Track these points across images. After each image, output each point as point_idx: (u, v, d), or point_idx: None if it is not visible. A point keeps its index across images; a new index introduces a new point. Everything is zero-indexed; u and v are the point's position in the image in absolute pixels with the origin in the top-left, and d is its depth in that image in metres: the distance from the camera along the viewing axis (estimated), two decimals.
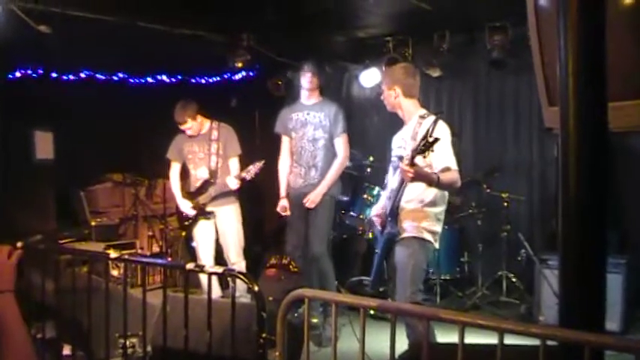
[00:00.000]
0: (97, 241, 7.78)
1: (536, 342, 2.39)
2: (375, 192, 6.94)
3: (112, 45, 6.94)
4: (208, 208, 6.43)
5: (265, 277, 7.85)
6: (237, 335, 3.61)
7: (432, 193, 4.53)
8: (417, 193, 4.53)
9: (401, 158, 4.44)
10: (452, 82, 8.31)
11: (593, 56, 2.77)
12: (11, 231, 5.89)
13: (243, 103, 8.67)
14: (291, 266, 8.05)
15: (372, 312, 5.22)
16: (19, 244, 2.87)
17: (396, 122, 4.91)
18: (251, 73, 8.69)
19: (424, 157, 4.12)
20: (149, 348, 4.23)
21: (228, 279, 3.72)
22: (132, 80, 8.64)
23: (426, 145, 4.03)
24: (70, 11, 5.90)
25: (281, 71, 8.68)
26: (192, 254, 6.89)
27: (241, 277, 3.61)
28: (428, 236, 4.55)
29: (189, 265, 3.82)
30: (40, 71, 7.74)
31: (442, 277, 7.27)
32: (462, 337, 2.53)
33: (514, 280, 7.03)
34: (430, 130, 4.06)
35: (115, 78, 8.45)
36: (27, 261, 2.72)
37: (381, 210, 4.75)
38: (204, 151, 6.49)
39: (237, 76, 8.82)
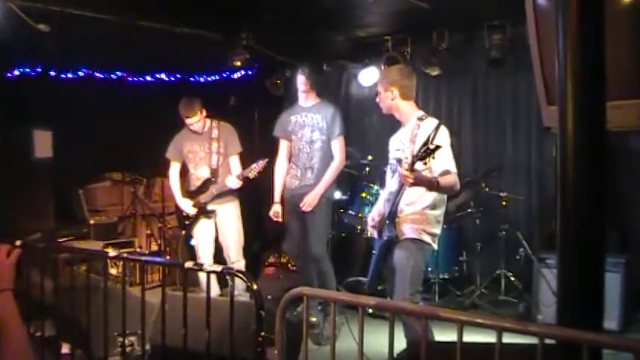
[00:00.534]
0: (95, 239, 7.78)
1: (534, 340, 2.40)
2: (373, 190, 6.94)
3: (110, 44, 6.94)
4: (209, 207, 6.43)
5: (264, 276, 7.88)
6: (235, 334, 3.61)
7: (431, 196, 4.52)
8: (416, 196, 4.52)
9: (399, 161, 4.43)
10: (451, 81, 8.31)
11: (591, 56, 2.78)
12: (10, 229, 5.89)
13: (242, 102, 8.67)
14: (289, 265, 8.07)
15: (370, 311, 5.24)
16: (17, 243, 2.88)
17: (394, 121, 4.90)
18: (250, 72, 8.70)
19: (424, 164, 4.11)
20: (148, 346, 4.23)
21: (227, 277, 3.72)
22: (131, 79, 8.63)
23: (426, 152, 4.01)
24: (69, 10, 5.90)
25: (280, 70, 8.68)
26: (191, 253, 6.89)
27: (240, 275, 3.62)
28: (427, 238, 4.55)
29: (188, 264, 3.82)
30: (39, 70, 7.73)
31: (441, 276, 7.27)
32: (460, 335, 2.53)
33: (512, 279, 7.03)
34: (431, 136, 4.05)
35: (114, 76, 8.45)
36: (26, 259, 2.72)
37: (377, 216, 4.74)
38: (204, 150, 6.48)
39: (236, 75, 8.82)
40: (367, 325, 2.92)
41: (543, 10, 4.62)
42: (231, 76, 8.91)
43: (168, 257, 8.14)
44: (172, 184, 6.66)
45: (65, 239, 7.28)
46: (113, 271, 6.87)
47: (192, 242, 6.67)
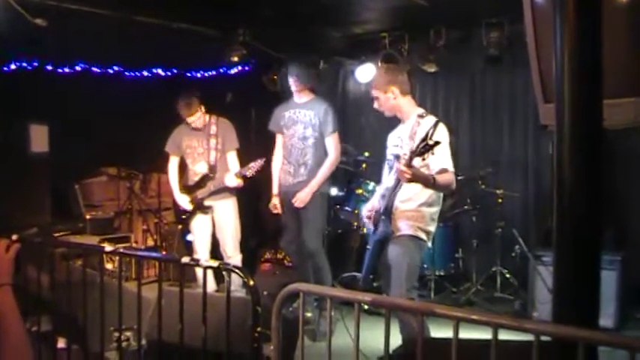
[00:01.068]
0: (91, 234, 7.77)
1: (530, 337, 2.40)
2: (370, 187, 6.94)
3: (107, 38, 6.93)
4: (206, 203, 6.43)
5: (260, 272, 7.88)
6: (232, 329, 3.61)
7: (427, 193, 4.53)
8: (412, 193, 4.53)
9: (397, 157, 4.44)
10: (448, 78, 8.33)
11: (589, 53, 2.78)
12: (6, 224, 5.88)
13: (238, 98, 8.66)
14: (285, 261, 8.08)
15: (365, 307, 5.26)
16: (14, 237, 2.87)
17: (391, 118, 4.89)
18: (247, 68, 8.68)
19: (423, 159, 4.11)
20: (144, 342, 4.23)
21: (224, 273, 3.72)
22: (127, 74, 8.63)
23: (425, 148, 4.02)
24: (66, 4, 5.89)
25: (277, 66, 8.68)
26: (187, 248, 6.89)
27: (236, 271, 3.62)
28: (422, 235, 4.56)
29: (185, 259, 3.82)
30: (36, 64, 7.72)
31: (437, 273, 7.28)
32: (456, 332, 2.54)
33: (508, 276, 7.05)
34: (430, 132, 4.05)
35: (111, 71, 8.44)
36: (22, 254, 2.72)
37: (372, 209, 4.74)
38: (203, 145, 6.49)
39: (233, 71, 8.81)
40: (363, 322, 2.93)
41: (541, 7, 4.63)
42: (228, 72, 8.90)
43: (164, 252, 8.14)
44: (171, 178, 6.66)
45: (61, 234, 7.28)
46: (109, 266, 6.87)
47: (189, 238, 6.67)
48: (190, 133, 6.52)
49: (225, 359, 3.63)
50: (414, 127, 4.46)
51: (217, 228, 6.51)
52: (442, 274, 7.41)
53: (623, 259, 5.95)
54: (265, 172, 6.45)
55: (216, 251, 6.56)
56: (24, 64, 7.62)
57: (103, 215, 8.34)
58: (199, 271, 5.44)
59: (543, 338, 2.40)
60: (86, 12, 6.08)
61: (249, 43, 7.48)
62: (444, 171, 4.37)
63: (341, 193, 7.32)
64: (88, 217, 8.09)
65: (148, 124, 7.55)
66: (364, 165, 7.58)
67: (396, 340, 4.29)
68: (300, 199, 6.06)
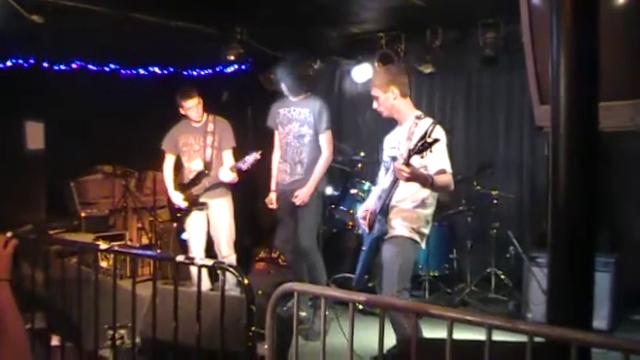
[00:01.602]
0: (86, 232, 7.76)
1: (523, 339, 2.41)
2: (365, 187, 6.95)
3: (104, 36, 6.91)
4: (201, 199, 6.43)
5: (255, 271, 7.89)
6: (226, 328, 3.61)
7: (423, 194, 4.53)
8: (409, 194, 4.53)
9: (394, 159, 4.44)
10: (444, 78, 8.34)
11: (585, 56, 2.79)
12: (1, 221, 5.87)
13: (235, 97, 8.66)
14: (280, 260, 8.08)
15: (360, 307, 5.26)
16: (8, 234, 2.87)
17: (387, 118, 4.90)
18: (244, 67, 8.68)
19: (422, 157, 4.11)
20: (138, 339, 4.23)
21: (218, 272, 3.72)
22: (124, 71, 8.61)
23: (424, 145, 4.02)
24: (63, 1, 5.88)
25: (273, 65, 8.66)
26: (182, 246, 6.89)
27: (231, 270, 3.62)
28: (417, 237, 4.56)
29: (179, 258, 3.82)
30: (32, 61, 7.70)
31: (431, 274, 7.29)
32: (450, 332, 2.54)
33: (503, 277, 7.06)
34: (429, 130, 4.06)
35: (107, 69, 8.41)
36: (17, 251, 2.71)
37: (367, 211, 4.74)
38: (199, 143, 6.49)
39: (230, 70, 8.80)
40: (357, 321, 2.93)
41: (538, 9, 4.64)
42: (225, 71, 8.89)
43: (159, 251, 8.13)
44: (166, 175, 6.66)
45: (56, 231, 7.27)
46: (104, 263, 6.86)
47: (184, 236, 6.67)
48: (188, 130, 6.53)
49: (219, 358, 3.63)
50: (411, 128, 4.46)
51: (212, 227, 6.51)
52: (437, 274, 7.42)
53: (617, 261, 5.97)
54: (261, 171, 6.45)
55: (211, 250, 6.56)
56: (20, 61, 7.60)
57: (98, 213, 8.33)
58: (194, 270, 5.43)
59: (537, 339, 2.40)
60: (83, 9, 6.08)
61: (247, 41, 7.47)
62: (442, 172, 4.37)
63: (336, 193, 7.32)
64: (83, 214, 8.07)
65: (143, 122, 7.55)
66: (360, 165, 7.58)
67: (391, 340, 4.30)
68: (302, 198, 6.06)
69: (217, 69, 9.04)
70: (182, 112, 6.46)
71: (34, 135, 7.73)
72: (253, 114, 8.71)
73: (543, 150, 7.00)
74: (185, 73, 9.05)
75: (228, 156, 6.50)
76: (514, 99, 7.73)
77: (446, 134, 4.50)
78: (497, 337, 2.49)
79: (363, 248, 4.73)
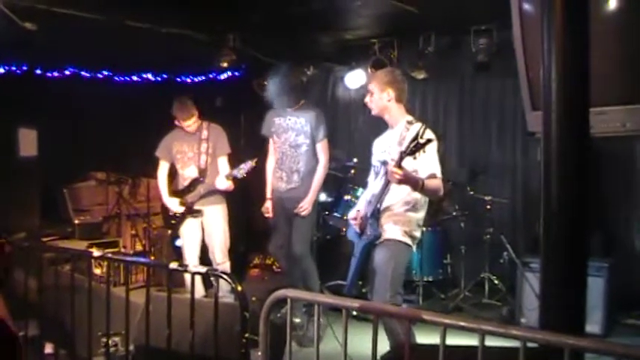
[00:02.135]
0: (80, 239, 7.74)
1: (517, 344, 2.41)
2: (358, 193, 6.94)
3: (97, 43, 6.90)
4: (196, 206, 6.42)
5: (249, 278, 7.87)
6: (220, 335, 3.62)
7: (415, 198, 4.54)
8: (400, 197, 4.53)
9: (385, 163, 4.44)
10: (437, 84, 8.35)
11: (576, 61, 2.80)
12: None
13: (228, 104, 8.67)
14: (274, 266, 8.07)
15: (354, 313, 5.26)
16: (1, 241, 2.87)
17: (380, 124, 4.90)
18: (237, 74, 8.69)
19: (414, 158, 4.12)
20: (132, 347, 4.22)
21: (212, 279, 3.72)
22: (117, 78, 8.60)
23: (417, 146, 4.04)
24: (56, 8, 5.88)
25: (267, 72, 8.67)
26: (176, 253, 6.87)
27: (225, 277, 3.62)
28: (409, 240, 4.57)
29: (173, 265, 3.82)
30: (25, 68, 7.69)
31: (425, 279, 7.29)
32: (443, 338, 2.55)
33: (496, 282, 7.06)
34: (421, 131, 4.08)
35: (100, 76, 8.41)
36: (10, 258, 2.72)
37: (357, 215, 4.75)
38: (193, 150, 6.48)
39: (223, 76, 8.81)
40: (351, 328, 2.93)
41: (529, 15, 4.66)
42: (218, 77, 8.90)
43: (152, 258, 8.11)
44: (160, 182, 6.64)
45: (50, 239, 7.25)
46: (97, 271, 6.84)
47: (178, 243, 6.66)
48: (182, 137, 6.51)
49: None
50: (402, 133, 4.46)
51: (206, 234, 6.50)
52: (430, 279, 7.42)
53: (610, 266, 5.98)
54: (255, 178, 6.44)
55: (205, 256, 6.55)
56: (13, 68, 7.59)
57: (92, 220, 8.30)
58: (188, 277, 5.43)
59: (530, 344, 2.41)
60: (76, 16, 6.07)
61: (240, 48, 7.48)
62: (432, 176, 4.38)
63: (330, 199, 7.32)
64: (76, 221, 8.05)
65: (137, 128, 7.53)
66: (353, 171, 7.58)
67: (384, 346, 4.30)
68: (306, 208, 6.09)
69: (211, 75, 9.04)
70: (177, 123, 6.45)
71: (27, 142, 7.71)
72: (247, 120, 8.72)
73: (536, 155, 7.02)
74: (178, 79, 9.06)
75: (223, 162, 6.49)
76: (506, 105, 7.75)
77: (437, 139, 4.52)
78: (491, 342, 2.50)
79: (355, 254, 4.73)
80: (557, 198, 2.81)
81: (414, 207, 4.56)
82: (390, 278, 4.45)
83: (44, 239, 7.07)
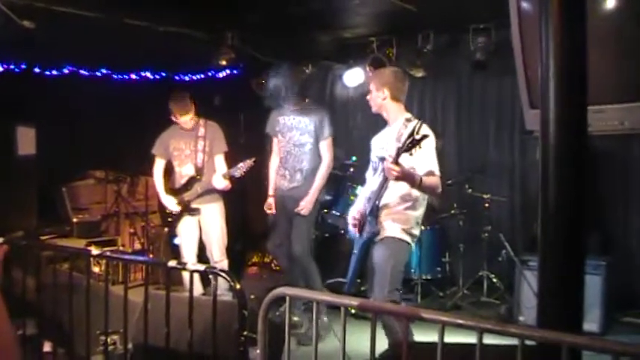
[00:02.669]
0: (78, 237, 7.75)
1: (515, 342, 2.42)
2: (357, 191, 6.94)
3: (95, 41, 6.91)
4: (193, 205, 6.42)
5: (247, 276, 7.87)
6: (218, 333, 3.62)
7: (413, 196, 4.55)
8: (398, 195, 4.54)
9: (383, 159, 4.45)
10: (435, 82, 8.35)
11: (574, 60, 2.80)
12: None
13: (226, 102, 8.67)
14: (272, 265, 8.08)
15: (352, 311, 5.26)
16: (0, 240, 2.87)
17: (379, 122, 4.93)
18: (235, 72, 8.69)
19: (410, 154, 4.14)
20: (130, 345, 4.23)
21: (210, 277, 3.72)
22: (115, 76, 8.61)
23: (412, 143, 4.05)
24: (54, 6, 5.88)
25: (265, 70, 8.67)
26: (174, 252, 6.87)
27: (223, 275, 3.62)
28: (408, 238, 4.57)
29: (171, 263, 3.82)
30: (23, 66, 7.69)
31: (423, 277, 7.29)
32: (441, 336, 2.55)
33: (495, 280, 7.07)
34: (417, 128, 4.09)
35: (99, 74, 8.41)
36: (8, 257, 2.72)
37: (358, 214, 4.75)
38: (190, 147, 6.47)
39: (221, 75, 8.81)
40: (349, 326, 2.94)
41: (527, 14, 4.67)
42: (217, 76, 8.90)
43: (151, 256, 8.12)
44: (156, 180, 6.63)
45: (48, 237, 7.25)
46: (96, 269, 6.85)
47: (176, 241, 6.66)
48: (179, 135, 6.50)
49: None
50: (400, 130, 4.48)
51: (204, 232, 6.49)
52: (429, 278, 7.42)
53: (607, 264, 5.99)
54: (252, 176, 6.44)
55: (203, 255, 6.55)
56: (11, 66, 7.59)
57: (90, 218, 8.31)
58: (186, 275, 5.43)
59: (528, 342, 2.41)
60: (74, 14, 6.07)
61: (238, 46, 7.48)
62: (430, 173, 4.39)
63: (329, 197, 7.32)
64: (75, 220, 8.06)
65: (135, 127, 7.53)
66: (352, 169, 7.58)
67: (383, 344, 4.31)
68: (306, 207, 6.05)
69: (209, 74, 9.04)
70: (174, 119, 6.45)
71: (26, 140, 7.71)
72: (245, 119, 8.73)
73: (534, 153, 7.02)
74: (177, 78, 9.06)
75: (219, 161, 6.48)
76: (505, 103, 7.75)
77: (435, 137, 4.53)
78: (489, 340, 2.50)
79: (354, 252, 4.74)
80: (555, 196, 2.81)
81: (412, 205, 4.57)
82: (389, 276, 4.46)
83: (42, 238, 7.07)
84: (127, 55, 7.91)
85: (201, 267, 3.76)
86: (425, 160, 4.36)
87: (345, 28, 7.76)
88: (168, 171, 6.69)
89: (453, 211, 7.33)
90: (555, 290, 2.84)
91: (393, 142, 4.46)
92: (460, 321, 2.58)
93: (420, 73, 7.80)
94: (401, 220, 4.54)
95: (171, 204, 6.48)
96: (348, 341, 2.92)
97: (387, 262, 4.49)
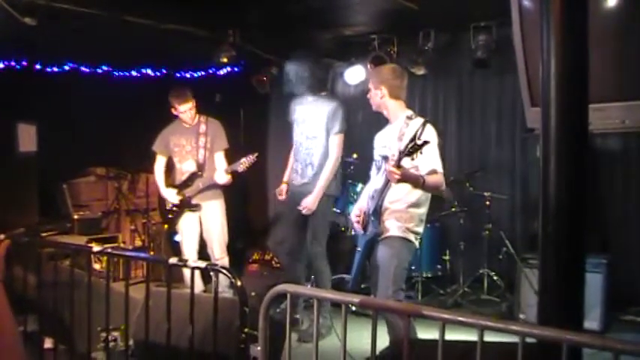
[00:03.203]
0: (79, 234, 7.74)
1: (515, 339, 2.42)
2: (358, 189, 6.95)
3: (96, 38, 6.91)
4: (194, 201, 6.42)
5: (248, 273, 7.88)
6: (219, 330, 3.62)
7: (416, 194, 4.54)
8: (401, 194, 4.53)
9: (385, 158, 4.44)
10: (436, 80, 8.34)
11: (575, 58, 2.81)
12: None
13: (227, 100, 8.67)
14: (273, 262, 8.08)
15: (353, 308, 5.26)
16: (1, 237, 2.87)
17: (380, 119, 4.92)
18: (236, 70, 8.68)
19: (412, 159, 4.12)
20: (131, 342, 4.23)
21: (211, 274, 3.73)
22: (116, 73, 8.60)
23: (414, 148, 4.03)
24: (56, 4, 5.87)
25: (266, 68, 8.68)
26: (175, 249, 6.88)
27: (224, 271, 3.63)
28: (411, 237, 4.57)
29: (172, 260, 3.83)
30: (24, 63, 7.69)
31: (424, 275, 7.30)
32: (442, 333, 2.56)
33: (495, 278, 7.07)
34: (419, 132, 4.06)
35: (100, 71, 8.41)
36: (9, 254, 2.72)
37: (360, 211, 4.75)
38: (191, 144, 6.47)
39: (222, 72, 8.80)
40: (351, 323, 2.94)
41: (529, 12, 4.67)
42: (217, 73, 8.89)
43: (152, 253, 8.12)
44: (157, 176, 6.64)
45: (49, 234, 7.25)
46: (97, 266, 6.85)
47: (177, 238, 6.67)
48: (179, 131, 6.51)
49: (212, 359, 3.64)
50: (402, 129, 4.46)
51: (204, 229, 6.50)
52: (429, 275, 7.44)
53: (608, 262, 5.99)
54: (253, 173, 6.44)
55: (203, 252, 6.55)
56: (12, 63, 7.59)
57: (91, 215, 8.31)
58: (187, 272, 5.43)
59: (529, 340, 2.42)
60: (75, 11, 6.06)
61: (239, 44, 7.48)
62: (433, 172, 4.38)
63: None
64: (75, 217, 8.05)
65: (136, 124, 7.54)
66: (352, 167, 7.58)
67: (384, 341, 4.31)
68: (308, 206, 5.92)
69: (210, 71, 9.03)
70: (174, 112, 6.45)
71: (27, 137, 7.71)
72: (245, 116, 8.72)
73: (535, 151, 7.02)
74: (178, 75, 9.06)
75: (220, 158, 6.48)
76: (506, 101, 7.75)
77: (437, 134, 4.52)
78: (490, 337, 2.51)
79: (358, 249, 4.74)
80: (556, 194, 2.82)
81: (415, 203, 4.56)
82: (392, 275, 4.45)
83: (43, 234, 7.07)
84: (128, 52, 7.91)
85: (203, 264, 3.76)
86: (427, 160, 4.34)
87: (346, 25, 7.75)
88: (169, 168, 6.70)
89: (453, 209, 7.33)
90: (556, 288, 2.85)
91: (395, 141, 4.44)
92: (461, 318, 2.58)
93: (421, 71, 7.79)
94: (404, 219, 4.54)
95: (171, 196, 6.47)
96: (349, 338, 2.92)
97: (390, 262, 4.48)
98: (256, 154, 6.13)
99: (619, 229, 6.75)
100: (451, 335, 2.60)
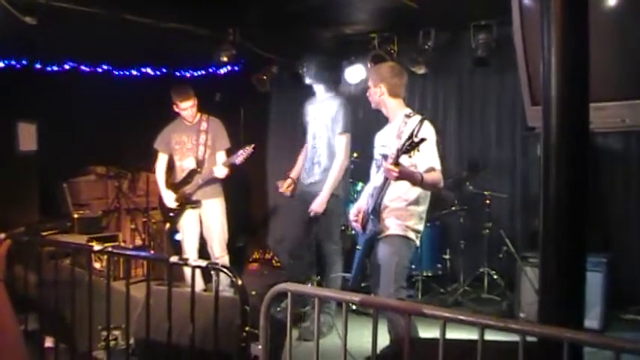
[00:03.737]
0: (79, 233, 7.74)
1: (516, 338, 2.42)
2: (358, 188, 6.96)
3: (97, 37, 6.91)
4: (194, 197, 6.42)
5: (248, 272, 7.88)
6: (220, 329, 3.62)
7: (415, 192, 4.54)
8: (401, 192, 4.53)
9: (385, 157, 4.44)
10: (436, 79, 8.34)
11: (576, 57, 2.81)
12: None
13: (227, 98, 8.67)
14: (274, 261, 8.09)
15: (354, 307, 5.27)
16: (1, 236, 2.87)
17: (380, 118, 4.92)
18: (236, 68, 8.68)
19: (409, 156, 4.12)
20: (132, 341, 4.23)
21: (212, 272, 3.73)
22: (116, 72, 8.61)
23: (411, 145, 4.03)
24: (56, 3, 5.87)
25: (266, 66, 8.68)
26: (175, 247, 6.88)
27: (225, 270, 3.63)
28: (411, 234, 4.57)
29: (173, 258, 3.83)
30: (24, 62, 7.70)
31: (424, 274, 7.30)
32: (443, 332, 2.56)
33: (495, 277, 7.07)
34: (416, 130, 4.06)
35: (100, 70, 8.42)
36: (10, 253, 2.72)
37: (360, 210, 4.75)
38: (192, 141, 6.49)
39: (222, 71, 8.80)
40: (351, 322, 2.94)
41: (529, 10, 4.67)
42: (217, 72, 8.89)
43: (152, 252, 8.12)
44: (158, 174, 6.65)
45: (49, 233, 7.25)
46: (97, 265, 6.85)
47: (178, 237, 6.67)
48: (180, 129, 6.52)
49: (212, 358, 3.64)
50: (400, 127, 4.46)
51: (204, 228, 6.50)
52: (430, 274, 7.44)
53: (608, 261, 5.99)
54: (254, 172, 6.44)
55: (204, 251, 6.56)
56: (13, 62, 7.59)
57: (91, 214, 8.32)
58: (187, 271, 5.43)
59: (529, 338, 2.42)
60: (75, 10, 6.06)
61: (239, 43, 7.47)
62: (431, 169, 4.38)
63: None
64: (76, 215, 8.06)
65: (136, 123, 7.54)
66: (352, 166, 7.56)
67: (384, 340, 4.31)
68: (315, 209, 5.91)
69: (210, 70, 9.04)
70: (176, 109, 6.45)
71: (27, 136, 7.72)
72: (245, 115, 8.72)
73: (535, 150, 7.02)
74: (178, 74, 9.06)
75: (221, 157, 6.48)
76: (506, 100, 7.74)
77: (435, 132, 4.52)
78: (490, 336, 2.51)
79: (358, 248, 4.74)
80: (557, 193, 2.82)
81: (415, 201, 4.56)
82: (393, 274, 4.45)
83: (44, 233, 7.07)
84: (128, 51, 7.91)
85: (203, 263, 3.76)
86: (425, 158, 4.34)
87: (346, 24, 7.75)
88: (170, 168, 6.70)
89: (453, 208, 7.34)
90: (556, 287, 2.85)
91: (394, 140, 4.44)
92: (462, 317, 2.58)
93: (421, 70, 7.79)
94: (404, 217, 4.54)
95: (169, 199, 6.48)
96: (350, 337, 2.92)
97: (390, 260, 4.48)
98: (253, 146, 6.12)
99: (619, 228, 6.75)
100: (452, 334, 2.60)
